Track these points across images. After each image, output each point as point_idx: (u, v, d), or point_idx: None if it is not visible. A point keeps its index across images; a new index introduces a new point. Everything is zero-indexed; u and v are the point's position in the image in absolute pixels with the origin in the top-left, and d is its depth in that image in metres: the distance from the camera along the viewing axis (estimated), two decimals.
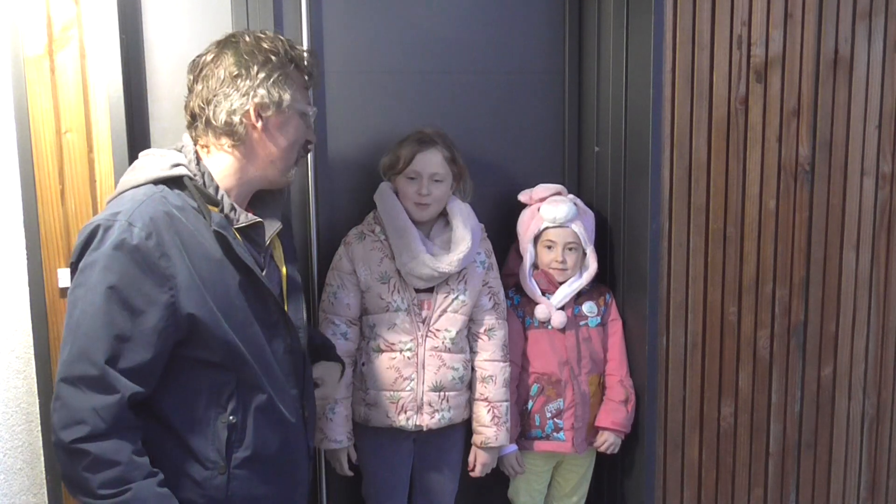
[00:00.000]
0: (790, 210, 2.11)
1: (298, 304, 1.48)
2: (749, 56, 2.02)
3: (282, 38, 1.40)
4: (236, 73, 1.34)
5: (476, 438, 1.97)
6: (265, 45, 1.36)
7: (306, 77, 1.44)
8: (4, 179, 1.73)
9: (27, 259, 1.76)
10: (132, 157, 1.78)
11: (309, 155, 2.01)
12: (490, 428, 1.94)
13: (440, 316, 1.90)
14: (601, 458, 2.18)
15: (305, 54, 1.43)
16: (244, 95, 1.33)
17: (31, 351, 1.78)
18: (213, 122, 1.34)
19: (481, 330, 1.96)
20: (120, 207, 1.25)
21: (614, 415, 2.05)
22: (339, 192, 2.09)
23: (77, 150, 1.77)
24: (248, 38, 1.37)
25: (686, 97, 1.99)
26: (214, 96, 1.34)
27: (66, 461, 1.21)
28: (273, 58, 1.35)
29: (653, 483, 2.10)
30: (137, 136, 1.86)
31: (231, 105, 1.33)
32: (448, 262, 1.86)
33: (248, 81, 1.34)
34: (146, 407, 1.27)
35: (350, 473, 1.96)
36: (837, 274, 2.18)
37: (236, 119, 1.33)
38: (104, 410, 1.19)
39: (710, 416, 2.15)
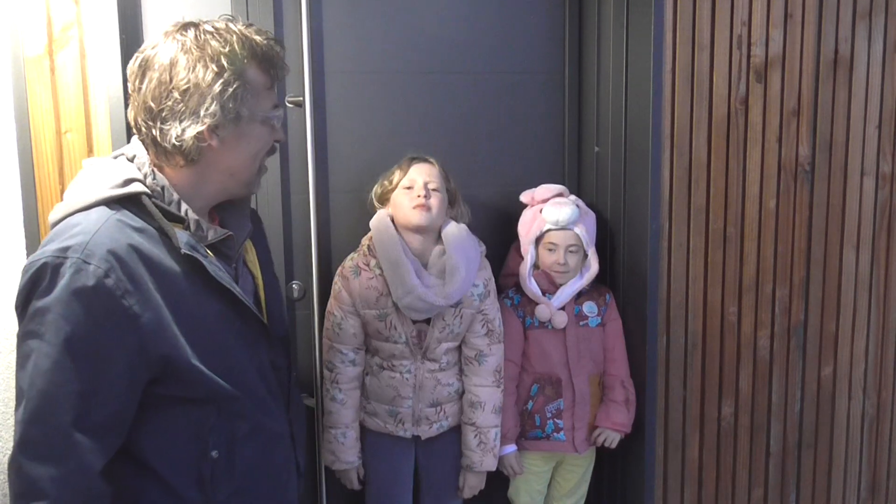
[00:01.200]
0: (790, 210, 2.11)
1: (280, 313, 1.38)
2: (749, 56, 2.02)
3: (235, 29, 1.18)
4: (184, 87, 1.13)
5: (463, 461, 1.98)
6: (217, 46, 1.14)
7: (271, 73, 1.22)
8: (4, 179, 1.73)
9: (27, 259, 1.76)
10: None
11: (309, 155, 2.01)
12: (475, 453, 1.95)
13: (437, 346, 1.90)
14: (601, 457, 2.18)
15: (266, 45, 1.20)
16: (194, 114, 1.13)
17: None
18: (162, 142, 1.15)
19: (472, 355, 1.95)
20: (70, 240, 1.08)
21: (614, 415, 2.05)
22: (339, 192, 2.09)
23: (77, 150, 1.77)
24: (195, 36, 1.15)
25: (686, 97, 1.99)
26: (160, 111, 1.14)
27: None
28: (227, 64, 1.14)
29: (653, 483, 2.10)
30: None
31: (180, 124, 1.14)
32: (443, 296, 1.82)
33: (197, 97, 1.13)
34: (122, 449, 1.15)
35: (359, 487, 1.99)
36: (837, 274, 2.18)
37: (187, 140, 1.14)
38: (68, 481, 1.06)
39: (710, 416, 2.15)
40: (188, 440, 1.19)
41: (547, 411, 2.03)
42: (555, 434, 2.04)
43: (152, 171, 1.19)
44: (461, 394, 1.97)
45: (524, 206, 2.10)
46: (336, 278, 1.94)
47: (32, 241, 1.76)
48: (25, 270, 1.10)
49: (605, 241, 2.15)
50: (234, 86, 1.15)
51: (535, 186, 2.09)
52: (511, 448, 2.04)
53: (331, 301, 1.94)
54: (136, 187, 1.15)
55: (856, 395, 2.26)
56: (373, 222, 1.91)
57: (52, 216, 1.17)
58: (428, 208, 1.84)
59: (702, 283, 2.08)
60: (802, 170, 2.11)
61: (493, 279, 1.98)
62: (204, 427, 1.20)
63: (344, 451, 1.93)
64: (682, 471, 2.16)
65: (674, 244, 2.04)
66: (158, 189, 1.18)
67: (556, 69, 2.20)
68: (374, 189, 1.94)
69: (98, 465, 1.10)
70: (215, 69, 1.14)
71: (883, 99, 2.13)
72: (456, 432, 2.00)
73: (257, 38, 1.19)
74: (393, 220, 1.89)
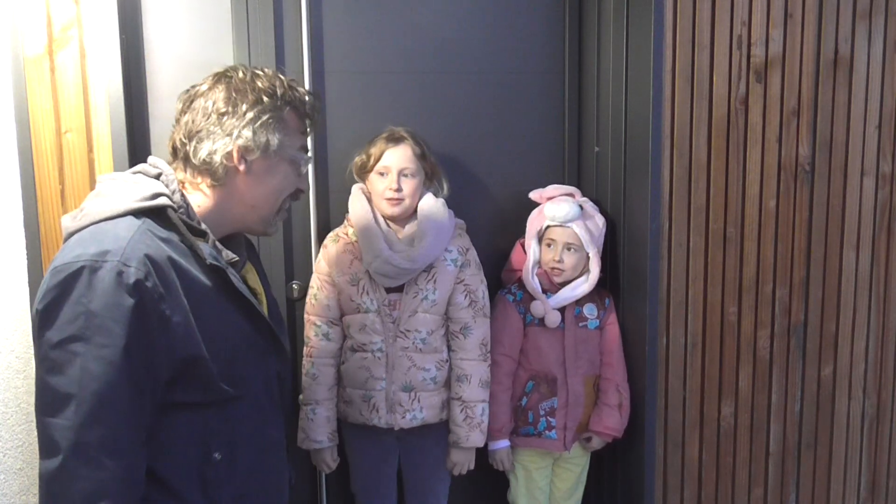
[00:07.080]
0: (790, 210, 2.11)
1: (282, 329, 1.43)
2: (749, 56, 2.02)
3: (282, 76, 1.30)
4: (223, 110, 1.24)
5: (450, 437, 1.97)
6: (260, 84, 1.26)
7: (305, 122, 1.34)
8: (4, 179, 1.73)
9: (27, 259, 1.76)
10: (132, 156, 1.79)
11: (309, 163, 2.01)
12: (461, 428, 1.94)
13: (410, 316, 1.89)
14: (601, 457, 2.18)
15: (306, 97, 1.33)
16: (227, 135, 1.24)
17: (31, 351, 1.77)
18: (192, 158, 1.24)
19: (457, 328, 1.95)
20: (106, 245, 1.10)
21: (608, 419, 2.05)
22: (339, 192, 2.09)
23: (77, 150, 1.77)
24: (242, 74, 1.28)
25: (686, 97, 1.99)
26: (198, 132, 1.24)
27: None
28: (265, 98, 1.26)
29: (653, 483, 2.10)
30: (137, 136, 1.87)
31: (213, 143, 1.24)
32: (409, 259, 1.85)
33: (233, 120, 1.24)
34: None
35: (328, 471, 1.97)
36: (837, 274, 2.18)
37: (217, 159, 1.24)
38: (128, 478, 1.10)
39: (710, 416, 2.15)
40: (190, 443, 1.21)
41: (540, 409, 2.03)
42: (546, 432, 2.04)
43: (178, 189, 1.24)
44: (442, 385, 1.96)
45: (524, 205, 2.10)
46: (319, 252, 1.99)
47: (32, 241, 1.76)
48: (57, 272, 1.09)
49: (606, 242, 2.14)
50: (267, 116, 1.26)
51: (535, 186, 2.10)
52: (504, 443, 2.03)
53: (312, 276, 1.98)
54: (164, 201, 1.19)
55: (856, 395, 2.26)
56: (350, 197, 1.96)
57: (72, 224, 1.18)
58: (400, 200, 1.88)
59: (702, 283, 2.08)
60: (802, 170, 2.11)
61: (473, 251, 1.99)
62: (206, 429, 1.22)
63: (313, 429, 1.91)
64: (682, 471, 2.16)
65: (674, 244, 2.04)
66: (183, 206, 1.23)
67: (556, 69, 2.20)
68: (355, 161, 1.95)
69: (145, 461, 1.14)
70: (254, 99, 1.25)
71: (883, 99, 2.13)
72: (437, 432, 1.98)
73: (300, 89, 1.32)
74: (369, 193, 1.94)
